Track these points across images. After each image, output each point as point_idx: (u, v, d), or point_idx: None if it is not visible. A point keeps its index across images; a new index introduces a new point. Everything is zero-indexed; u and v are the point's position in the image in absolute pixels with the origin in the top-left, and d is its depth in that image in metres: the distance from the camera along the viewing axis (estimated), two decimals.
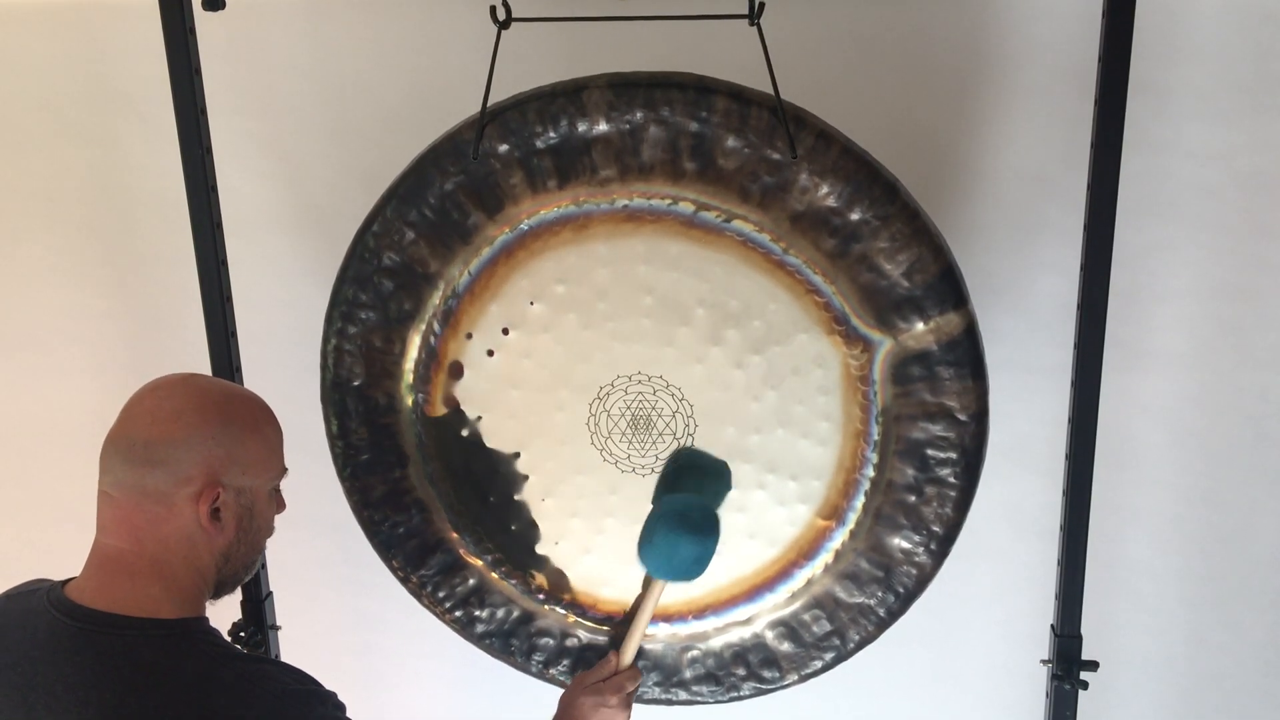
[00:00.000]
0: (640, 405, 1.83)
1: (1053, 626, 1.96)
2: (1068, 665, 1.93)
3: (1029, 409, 2.28)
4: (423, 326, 1.84)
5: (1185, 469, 2.34)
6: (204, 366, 2.02)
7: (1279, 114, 2.10)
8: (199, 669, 1.41)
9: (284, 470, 1.59)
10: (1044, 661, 1.98)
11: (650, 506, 1.86)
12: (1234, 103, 2.10)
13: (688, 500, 1.83)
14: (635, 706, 2.01)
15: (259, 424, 1.55)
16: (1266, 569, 2.38)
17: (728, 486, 1.85)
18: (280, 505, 1.61)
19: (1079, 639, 1.93)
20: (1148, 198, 2.14)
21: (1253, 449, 2.31)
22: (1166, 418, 2.31)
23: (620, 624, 1.95)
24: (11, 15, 2.35)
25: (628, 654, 1.86)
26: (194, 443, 1.46)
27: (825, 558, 1.88)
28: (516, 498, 1.92)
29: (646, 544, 1.82)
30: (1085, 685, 1.94)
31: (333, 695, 1.47)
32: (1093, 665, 1.93)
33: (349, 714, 1.48)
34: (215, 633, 1.49)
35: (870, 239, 1.69)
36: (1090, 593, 1.93)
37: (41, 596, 1.47)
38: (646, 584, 1.87)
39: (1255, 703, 2.48)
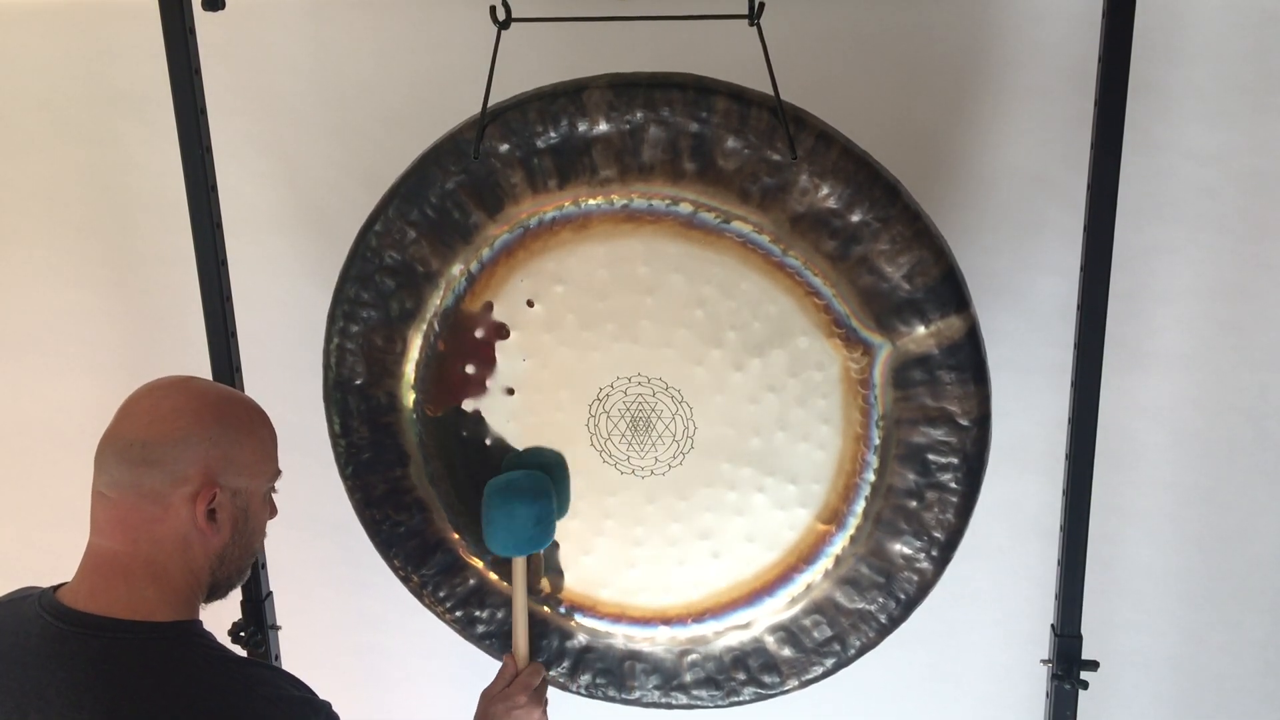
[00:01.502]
0: (640, 407, 1.83)
1: (1053, 626, 1.96)
2: (1068, 665, 1.93)
3: (1029, 409, 2.28)
4: (424, 326, 1.84)
5: (1185, 469, 2.34)
6: (204, 366, 2.02)
7: (1279, 114, 2.10)
8: (194, 672, 1.40)
9: (278, 473, 1.60)
10: (1044, 661, 1.99)
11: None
12: (1234, 103, 2.10)
13: (509, 475, 1.84)
14: (636, 709, 2.01)
15: (255, 426, 1.55)
16: (1266, 569, 2.38)
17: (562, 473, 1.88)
18: (272, 511, 1.62)
19: (1079, 639, 1.93)
20: (1148, 198, 2.14)
21: (1253, 449, 2.31)
22: (1166, 418, 2.31)
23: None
24: (11, 15, 2.35)
25: (520, 650, 1.85)
26: (191, 443, 1.46)
27: (825, 563, 1.88)
28: None
29: (487, 528, 1.83)
30: (1085, 685, 1.94)
31: (327, 705, 1.47)
32: (1093, 665, 1.93)
33: None
34: (209, 636, 1.49)
35: (871, 241, 1.68)
36: (1090, 593, 1.93)
37: (33, 602, 1.47)
38: (511, 575, 1.87)
39: (1255, 703, 2.48)
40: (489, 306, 1.82)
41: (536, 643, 1.99)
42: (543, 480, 1.84)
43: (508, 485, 1.83)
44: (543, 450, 1.88)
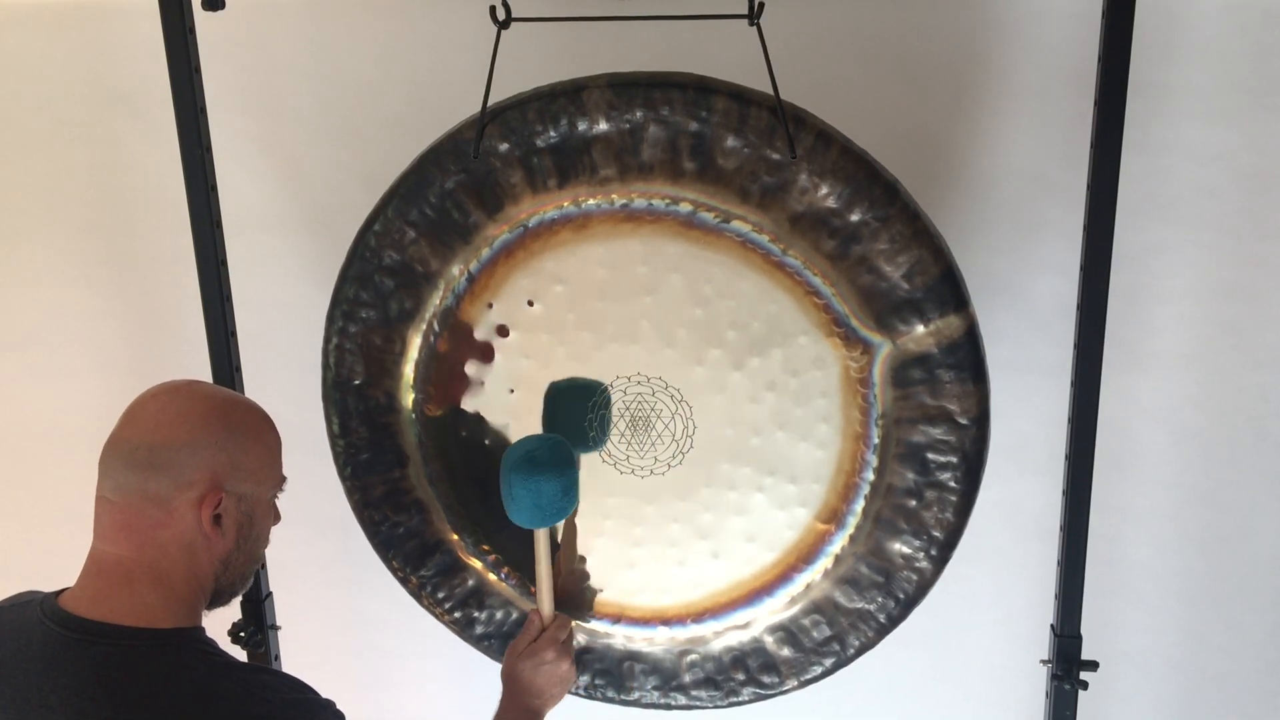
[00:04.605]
0: (639, 406, 1.83)
1: (1053, 626, 1.96)
2: (1068, 665, 1.93)
3: (1029, 409, 2.28)
4: (423, 326, 1.84)
5: (1185, 469, 2.34)
6: (204, 366, 2.02)
7: (1279, 114, 2.10)
8: (197, 679, 1.40)
9: (283, 480, 1.59)
10: (1044, 661, 1.98)
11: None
12: (1234, 103, 2.10)
13: (527, 442, 1.78)
14: (635, 710, 2.01)
15: (261, 432, 1.54)
16: (1266, 569, 2.38)
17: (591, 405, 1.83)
18: (276, 517, 1.61)
19: (1079, 639, 1.93)
20: (1148, 198, 2.14)
21: (1253, 449, 2.31)
22: (1166, 418, 2.31)
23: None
24: (11, 15, 2.35)
25: (545, 608, 1.82)
26: (198, 447, 1.45)
27: (825, 562, 1.88)
28: None
29: (510, 501, 1.76)
30: (1085, 685, 1.94)
31: (331, 703, 1.46)
32: (1093, 665, 1.93)
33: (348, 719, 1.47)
34: (212, 642, 1.48)
35: (870, 240, 1.69)
36: (1090, 593, 1.93)
37: (35, 608, 1.46)
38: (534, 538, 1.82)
39: (1255, 703, 2.48)
40: (489, 306, 1.82)
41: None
42: (565, 449, 1.77)
43: (530, 458, 1.74)
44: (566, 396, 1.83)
